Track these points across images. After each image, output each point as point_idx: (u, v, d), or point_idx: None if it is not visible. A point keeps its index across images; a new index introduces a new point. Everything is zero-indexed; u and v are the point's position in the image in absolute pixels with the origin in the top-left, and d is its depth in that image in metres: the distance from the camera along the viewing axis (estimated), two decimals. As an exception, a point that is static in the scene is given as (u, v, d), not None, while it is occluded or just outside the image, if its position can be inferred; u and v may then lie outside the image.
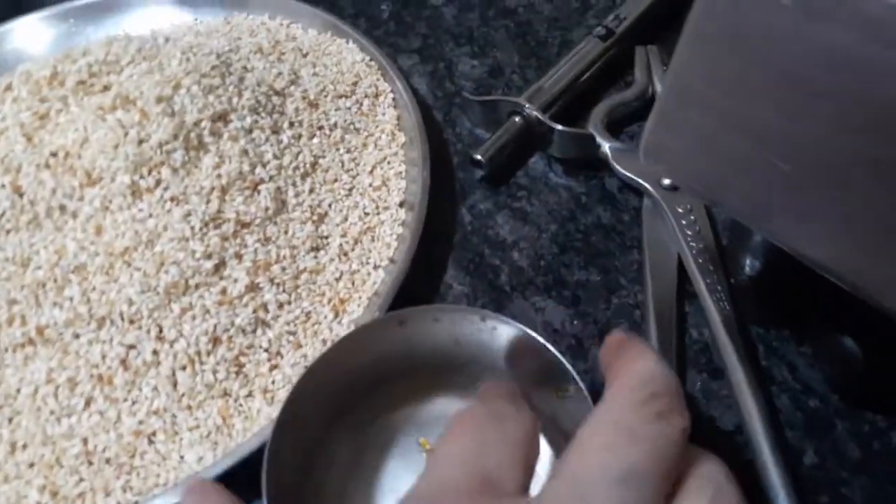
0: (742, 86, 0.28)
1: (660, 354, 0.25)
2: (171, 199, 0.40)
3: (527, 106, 0.47)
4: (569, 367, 0.33)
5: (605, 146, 0.46)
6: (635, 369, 0.24)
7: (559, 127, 0.46)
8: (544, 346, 0.33)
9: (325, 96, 0.49)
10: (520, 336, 0.34)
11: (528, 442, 0.24)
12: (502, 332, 0.35)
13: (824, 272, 0.29)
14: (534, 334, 0.34)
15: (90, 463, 0.36)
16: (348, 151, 0.47)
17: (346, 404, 0.36)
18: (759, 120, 0.28)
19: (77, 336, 0.38)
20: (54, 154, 0.40)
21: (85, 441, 0.36)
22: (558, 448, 0.34)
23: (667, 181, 0.43)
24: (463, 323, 0.35)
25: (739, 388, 0.36)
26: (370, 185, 0.46)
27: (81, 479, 0.36)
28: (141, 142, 0.41)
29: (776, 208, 0.29)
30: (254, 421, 0.37)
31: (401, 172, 0.46)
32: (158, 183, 0.41)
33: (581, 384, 0.32)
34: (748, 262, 0.39)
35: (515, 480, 0.22)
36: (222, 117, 0.44)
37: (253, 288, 0.40)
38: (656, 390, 0.22)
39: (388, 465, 0.35)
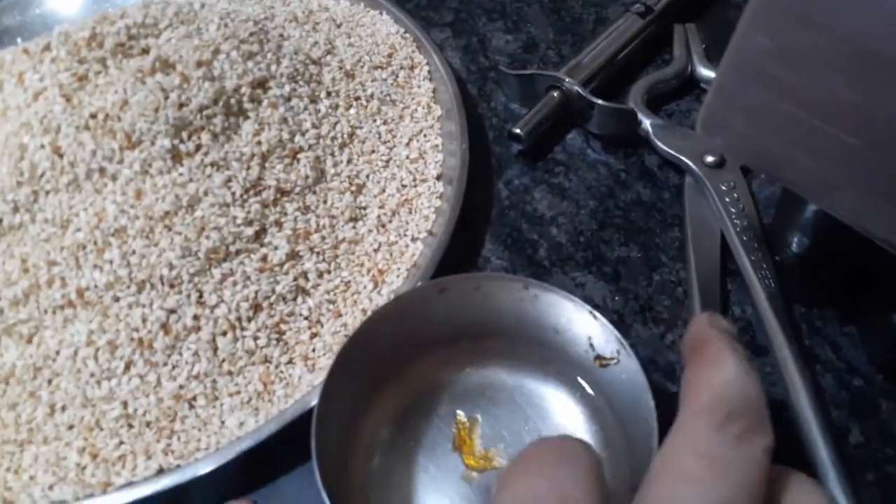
0: (808, 58, 0.28)
1: (741, 355, 0.22)
2: (212, 165, 0.40)
3: (566, 80, 0.46)
4: (616, 332, 0.32)
5: (647, 122, 0.45)
6: (712, 383, 0.22)
7: (600, 102, 0.45)
8: (590, 312, 0.33)
9: (361, 67, 0.49)
10: (563, 303, 0.34)
11: (601, 475, 0.22)
12: (545, 299, 0.34)
13: (890, 248, 0.28)
14: (579, 301, 0.34)
15: (130, 426, 0.36)
16: (385, 123, 0.47)
17: (388, 371, 0.35)
18: (826, 93, 0.28)
19: (117, 299, 0.37)
20: (94, 116, 0.40)
21: (125, 404, 0.36)
22: (602, 425, 0.34)
23: (710, 158, 0.43)
24: (504, 291, 0.35)
25: (785, 365, 0.36)
26: (407, 157, 0.45)
27: (121, 442, 0.35)
28: (181, 105, 0.40)
29: (843, 184, 0.29)
30: (295, 388, 0.37)
31: (437, 146, 0.46)
32: (199, 148, 0.40)
33: (629, 349, 0.32)
34: (795, 239, 0.38)
35: None
36: (261, 84, 0.43)
37: (293, 256, 0.40)
38: (733, 408, 0.21)
39: (425, 434, 0.35)
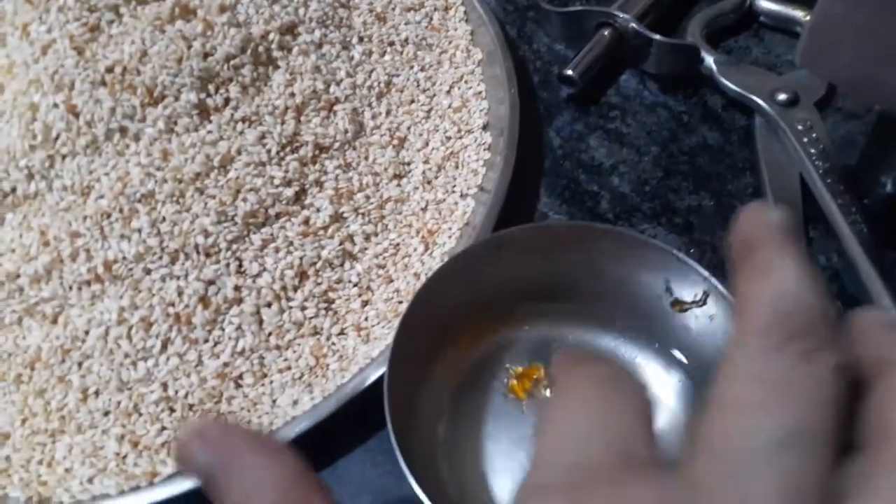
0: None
1: (799, 257, 0.19)
2: (243, 120, 0.36)
3: (620, 16, 0.42)
4: (703, 271, 0.30)
5: (709, 59, 0.42)
6: (767, 294, 0.18)
7: (659, 38, 0.41)
8: (670, 252, 0.30)
9: (393, 9, 0.45)
10: (635, 246, 0.31)
11: (648, 402, 0.19)
12: (612, 244, 0.31)
13: None
14: (654, 242, 0.31)
15: (172, 410, 0.33)
16: (422, 70, 0.43)
17: (449, 334, 0.33)
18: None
19: (148, 272, 0.34)
20: (110, 70, 0.36)
21: (164, 386, 0.33)
22: (683, 375, 0.31)
23: (782, 96, 0.40)
24: (566, 239, 0.32)
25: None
26: (449, 106, 0.42)
27: (163, 428, 0.32)
28: (206, 55, 0.36)
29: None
30: (350, 360, 0.33)
31: (481, 92, 0.42)
32: (227, 102, 0.36)
33: (721, 287, 0.29)
34: (887, 180, 0.35)
35: (650, 448, 0.18)
36: (290, 30, 0.39)
37: (337, 218, 0.36)
38: (794, 325, 0.18)
39: (489, 396, 0.32)
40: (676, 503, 0.15)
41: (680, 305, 0.31)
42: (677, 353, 0.32)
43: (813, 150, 0.38)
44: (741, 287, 0.19)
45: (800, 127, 0.39)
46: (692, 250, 0.37)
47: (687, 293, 0.31)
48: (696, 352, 0.31)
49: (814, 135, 0.38)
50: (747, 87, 0.41)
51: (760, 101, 0.40)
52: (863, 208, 0.36)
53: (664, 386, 0.32)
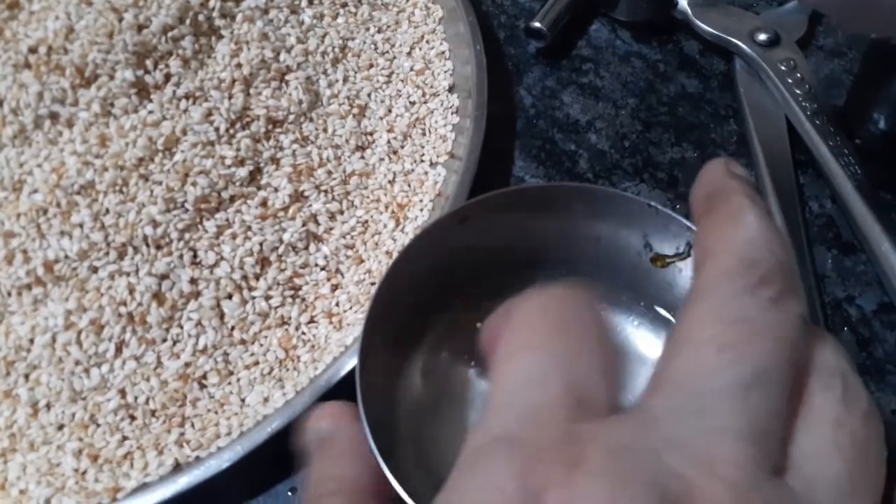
0: None
1: (764, 209, 0.19)
2: (187, 97, 0.33)
3: (587, -39, 0.40)
4: (685, 221, 0.28)
5: (683, 2, 0.39)
6: (736, 241, 0.19)
7: (629, -18, 0.39)
8: (644, 203, 0.28)
9: (343, -31, 0.41)
10: (610, 201, 0.29)
11: (611, 343, 0.19)
12: (587, 204, 0.29)
13: None
14: (629, 195, 0.29)
15: (132, 418, 0.30)
16: (380, 31, 0.40)
17: (421, 315, 0.30)
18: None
19: (95, 270, 0.31)
20: (34, 50, 0.32)
21: (122, 393, 0.30)
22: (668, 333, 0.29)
23: (762, 36, 0.37)
24: (533, 204, 0.29)
25: (886, 260, 0.31)
26: (411, 68, 0.39)
27: (125, 438, 0.30)
28: (141, 28, 0.33)
29: None
30: (323, 350, 0.31)
31: (444, 52, 0.39)
32: (168, 77, 0.33)
33: None
34: (879, 117, 0.33)
35: (607, 394, 0.17)
36: (232, -5, 0.36)
37: (298, 197, 0.34)
38: (766, 270, 0.18)
39: (469, 378, 0.30)
40: (632, 450, 0.15)
41: (661, 260, 0.29)
42: (662, 311, 0.30)
43: (798, 91, 0.36)
44: (705, 235, 0.19)
45: (783, 67, 0.37)
46: (678, 206, 0.35)
47: (668, 247, 0.29)
48: (681, 307, 0.29)
49: (798, 75, 0.36)
50: (725, 29, 0.38)
51: (740, 43, 0.38)
52: (855, 149, 0.34)
53: (653, 346, 0.30)
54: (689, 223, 0.28)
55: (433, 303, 0.30)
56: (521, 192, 0.30)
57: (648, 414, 0.16)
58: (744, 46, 0.37)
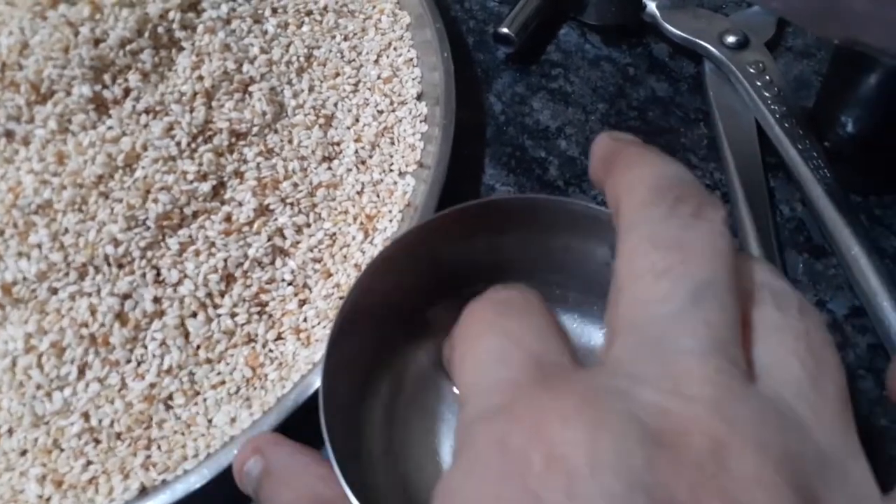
0: None
1: (656, 150, 0.20)
2: (147, 111, 0.33)
3: (554, -35, 0.39)
4: None
5: (651, 5, 0.39)
6: (642, 176, 0.19)
7: (597, -14, 0.38)
8: (606, 214, 0.28)
9: (308, -24, 0.41)
10: (573, 213, 0.28)
11: (550, 312, 0.19)
12: (550, 216, 0.28)
13: None
14: (592, 206, 0.28)
15: (97, 441, 0.29)
16: (346, 39, 0.39)
17: (390, 331, 0.29)
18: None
19: (55, 291, 0.30)
20: (-13, 67, 0.32)
21: (86, 416, 0.30)
22: None
23: (731, 38, 0.37)
24: (497, 217, 0.29)
25: (857, 265, 0.31)
26: (378, 76, 0.38)
27: (89, 462, 0.29)
28: (97, 42, 0.32)
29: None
30: (290, 368, 0.30)
31: (412, 59, 0.39)
32: (127, 92, 0.33)
33: None
34: (851, 119, 0.33)
35: (565, 352, 0.18)
36: (193, 6, 0.36)
37: (263, 211, 0.33)
38: (679, 191, 0.18)
39: (441, 392, 0.29)
40: (601, 393, 0.15)
41: None
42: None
43: (767, 94, 0.35)
44: (616, 185, 0.19)
45: (752, 70, 0.36)
46: (649, 212, 0.35)
47: None
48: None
49: (767, 77, 0.36)
50: (694, 31, 0.38)
51: (709, 46, 0.37)
52: (824, 152, 0.34)
53: None
54: None
55: (400, 316, 0.30)
56: (486, 205, 0.29)
57: (610, 360, 0.16)
58: (713, 49, 0.37)
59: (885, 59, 0.29)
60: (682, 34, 0.38)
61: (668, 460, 0.13)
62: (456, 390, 0.29)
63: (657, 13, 0.39)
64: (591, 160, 0.22)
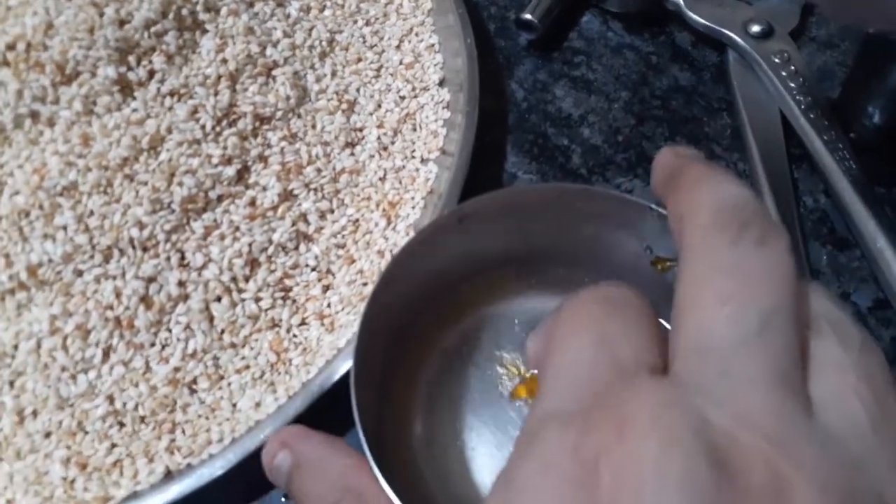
0: None
1: (722, 170, 0.19)
2: (171, 94, 0.32)
3: (578, -49, 0.39)
4: None
5: (675, -7, 0.39)
6: (707, 199, 0.19)
7: (621, -27, 0.38)
8: (644, 206, 0.28)
9: (330, -41, 0.41)
10: (610, 202, 0.28)
11: (652, 313, 0.19)
12: (586, 205, 0.29)
13: None
14: (629, 198, 0.28)
15: (121, 424, 0.30)
16: (367, 24, 0.39)
17: (415, 319, 0.30)
18: None
19: (80, 273, 0.30)
20: (12, 47, 0.31)
21: (110, 399, 0.30)
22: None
23: (756, 28, 0.37)
24: (534, 205, 0.29)
25: (882, 257, 0.31)
26: (400, 62, 0.38)
27: (114, 445, 0.29)
28: (122, 23, 0.32)
29: None
30: (315, 353, 0.30)
31: (433, 45, 0.39)
32: (152, 74, 0.32)
33: None
34: (878, 110, 0.33)
35: (654, 357, 0.18)
36: (216, -12, 0.35)
37: (287, 196, 0.33)
38: (743, 217, 0.18)
39: (467, 384, 0.29)
40: (675, 409, 0.15)
41: (662, 263, 0.29)
42: (662, 322, 0.30)
43: (792, 84, 0.35)
44: (679, 205, 0.19)
45: (776, 60, 0.36)
46: (673, 202, 0.35)
47: (668, 251, 0.29)
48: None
49: (791, 67, 0.36)
50: (718, 20, 0.38)
51: (733, 35, 0.37)
52: (849, 143, 0.34)
53: None
54: None
55: (430, 302, 0.30)
56: (519, 193, 0.29)
57: (677, 378, 0.16)
58: (737, 39, 0.37)
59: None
60: (706, 23, 0.38)
61: (733, 488, 0.13)
62: (502, 373, 0.29)
63: (681, 1, 0.38)
64: (652, 174, 0.22)
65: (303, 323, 0.31)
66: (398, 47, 0.39)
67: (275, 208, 0.32)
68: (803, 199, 0.35)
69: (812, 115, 0.34)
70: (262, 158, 0.33)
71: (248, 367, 0.30)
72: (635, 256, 0.29)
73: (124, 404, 0.30)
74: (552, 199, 0.29)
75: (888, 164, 0.34)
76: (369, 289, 0.29)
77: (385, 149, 0.36)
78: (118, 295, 0.30)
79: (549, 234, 0.29)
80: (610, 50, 0.40)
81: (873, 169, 0.34)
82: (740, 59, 0.37)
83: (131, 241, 0.30)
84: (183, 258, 0.31)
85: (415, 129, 0.36)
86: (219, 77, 0.33)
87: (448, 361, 0.29)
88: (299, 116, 0.35)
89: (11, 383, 0.30)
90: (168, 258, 0.31)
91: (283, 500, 0.29)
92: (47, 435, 0.30)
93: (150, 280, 0.30)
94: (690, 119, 0.37)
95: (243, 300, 0.31)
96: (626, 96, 0.38)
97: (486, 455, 0.27)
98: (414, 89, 0.37)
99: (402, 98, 0.37)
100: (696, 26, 0.38)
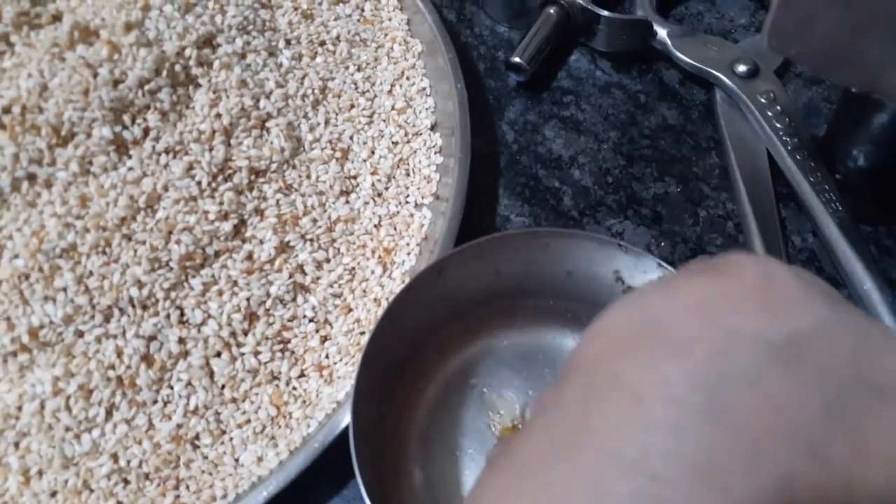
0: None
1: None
2: (167, 151, 0.33)
3: (565, -7, 0.40)
4: (655, 258, 0.30)
5: (662, 32, 0.39)
6: None
7: (607, 14, 0.39)
8: (612, 243, 0.30)
9: (319, 4, 0.41)
10: (581, 244, 0.30)
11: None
12: (558, 246, 0.31)
13: None
14: (599, 237, 0.31)
15: (126, 482, 0.30)
16: (359, 69, 0.39)
17: (407, 365, 0.31)
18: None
19: (81, 334, 0.31)
20: (7, 110, 0.32)
21: (115, 457, 0.30)
22: None
23: (742, 67, 0.37)
24: (511, 251, 0.31)
25: (869, 300, 0.32)
26: (392, 107, 0.38)
27: (119, 503, 0.30)
28: (116, 83, 0.32)
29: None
30: (314, 406, 0.31)
31: (424, 88, 0.39)
32: (147, 132, 0.33)
33: (672, 270, 0.29)
34: (863, 152, 0.33)
35: None
36: (208, 42, 0.36)
37: (284, 248, 0.33)
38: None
39: (459, 424, 0.30)
40: None
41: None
42: None
43: (778, 125, 0.36)
44: None
45: (762, 100, 0.37)
46: (662, 244, 0.35)
47: (639, 281, 0.30)
48: None
49: (777, 108, 0.36)
50: (704, 60, 0.38)
51: (720, 75, 0.38)
52: (835, 184, 0.34)
53: None
54: (658, 260, 0.29)
55: (423, 352, 0.31)
56: (491, 242, 0.31)
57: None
58: (724, 78, 0.38)
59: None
60: (693, 62, 0.38)
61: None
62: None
63: (668, 41, 0.39)
64: None
65: (302, 375, 0.32)
66: (390, 92, 0.39)
67: (272, 261, 0.33)
68: (791, 239, 0.35)
69: (798, 157, 0.35)
70: (259, 212, 0.34)
71: (249, 421, 0.31)
72: (608, 286, 0.30)
73: (128, 462, 0.30)
74: (523, 243, 0.31)
75: (872, 203, 0.35)
76: (366, 338, 0.29)
77: (379, 195, 0.36)
78: (119, 354, 0.30)
79: (524, 270, 0.31)
80: (598, 89, 0.40)
81: (858, 208, 0.34)
82: (727, 97, 0.38)
83: (131, 300, 0.31)
84: (182, 315, 0.31)
85: (408, 175, 0.37)
86: (213, 132, 0.34)
87: (437, 409, 0.30)
88: (294, 167, 0.35)
89: (16, 444, 0.30)
90: (168, 316, 0.31)
91: (286, 554, 0.30)
92: (53, 494, 0.30)
93: (151, 338, 0.31)
94: (679, 158, 0.38)
95: (242, 354, 0.31)
96: (615, 136, 0.38)
97: None
98: (406, 134, 0.38)
99: (395, 143, 0.38)
100: (684, 66, 0.39)
